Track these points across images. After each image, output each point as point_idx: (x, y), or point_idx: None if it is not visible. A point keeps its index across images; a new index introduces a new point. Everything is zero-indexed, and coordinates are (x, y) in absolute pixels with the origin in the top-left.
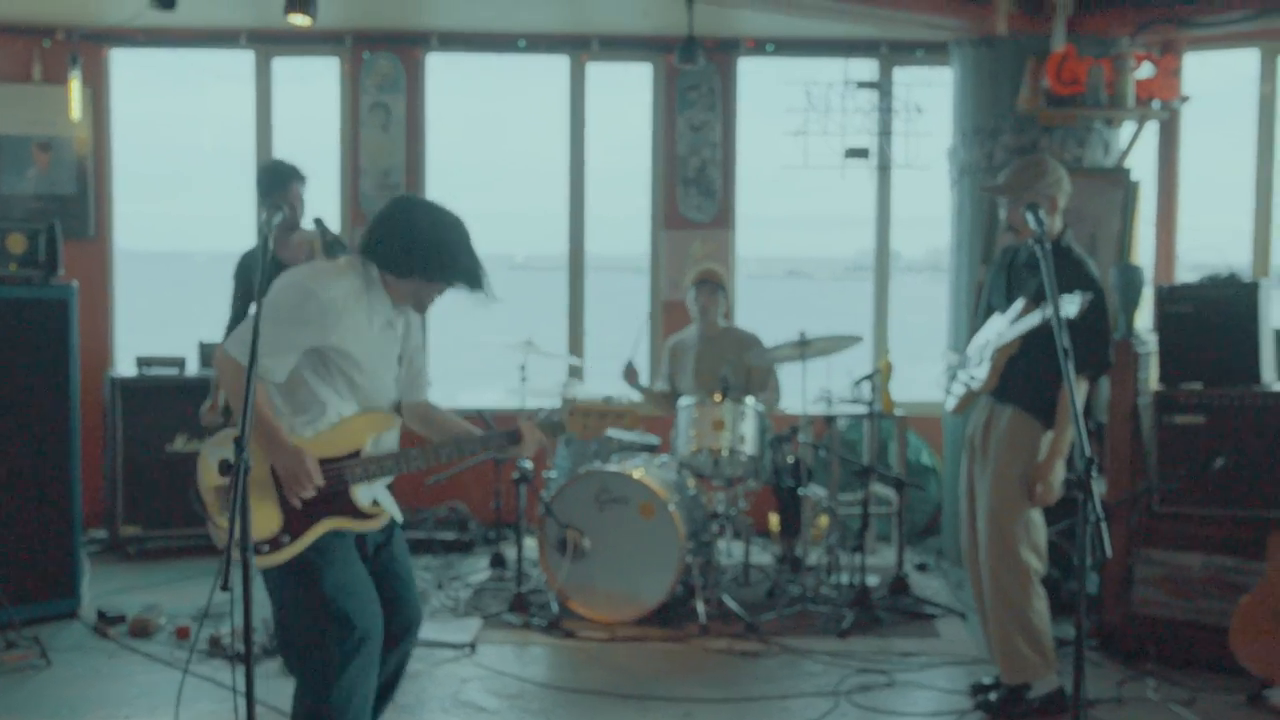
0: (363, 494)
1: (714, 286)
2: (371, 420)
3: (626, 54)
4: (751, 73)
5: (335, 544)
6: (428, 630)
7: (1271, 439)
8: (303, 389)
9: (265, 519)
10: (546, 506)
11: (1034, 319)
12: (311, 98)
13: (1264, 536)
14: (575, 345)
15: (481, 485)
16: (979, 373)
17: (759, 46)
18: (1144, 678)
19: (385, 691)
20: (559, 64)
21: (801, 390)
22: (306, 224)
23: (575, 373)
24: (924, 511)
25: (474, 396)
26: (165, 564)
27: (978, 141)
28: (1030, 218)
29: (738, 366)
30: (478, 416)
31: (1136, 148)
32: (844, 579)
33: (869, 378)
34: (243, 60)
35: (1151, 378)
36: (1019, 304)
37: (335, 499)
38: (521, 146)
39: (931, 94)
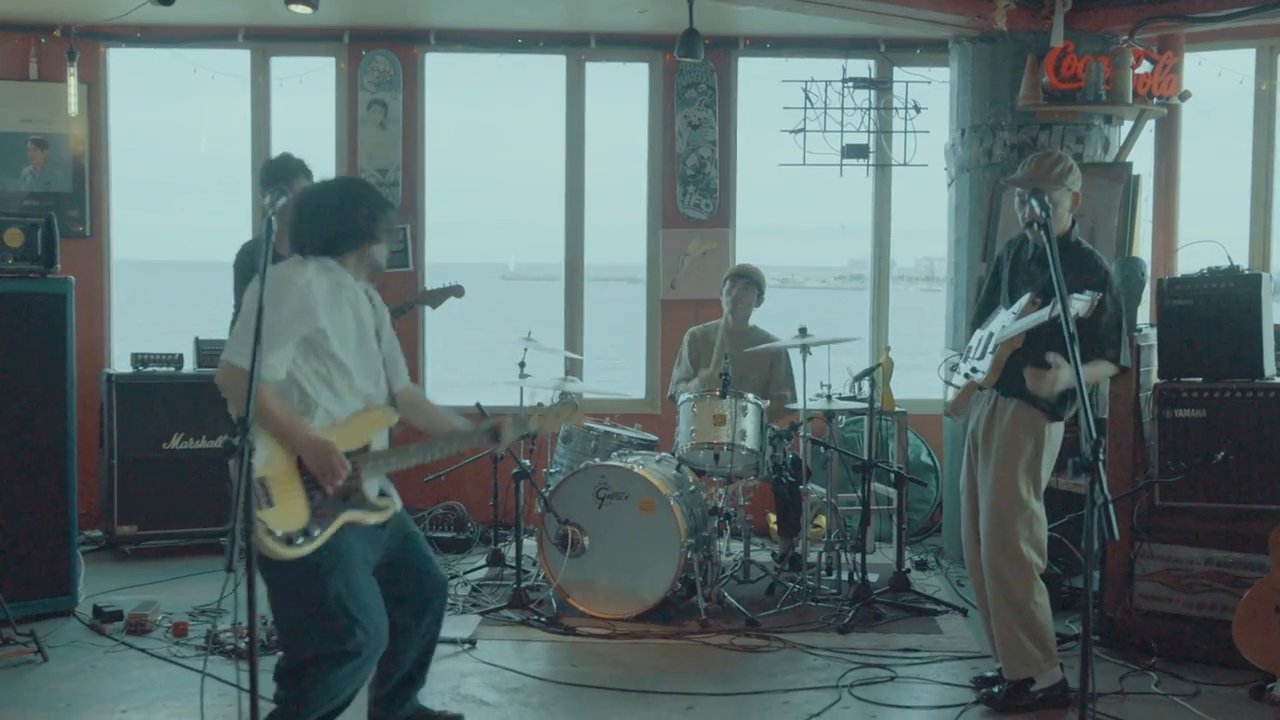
0: (371, 487)
1: (749, 281)
2: (376, 416)
3: (624, 53)
4: (750, 71)
5: (348, 545)
6: None
7: (1273, 433)
8: (295, 390)
9: (295, 512)
10: (546, 503)
11: (1040, 315)
12: (309, 96)
13: (1266, 530)
14: (573, 342)
15: (479, 484)
16: (981, 365)
17: (757, 44)
18: (1147, 672)
19: (425, 653)
20: (556, 64)
21: (802, 387)
22: None
23: (574, 368)
24: (923, 510)
25: (474, 393)
26: (161, 563)
27: (977, 138)
28: (1035, 204)
29: (755, 368)
30: (476, 409)
31: (1135, 144)
32: (844, 576)
33: (869, 373)
34: (240, 59)
35: (1152, 371)
36: (1024, 299)
37: (351, 492)
38: (518, 151)
39: (930, 92)
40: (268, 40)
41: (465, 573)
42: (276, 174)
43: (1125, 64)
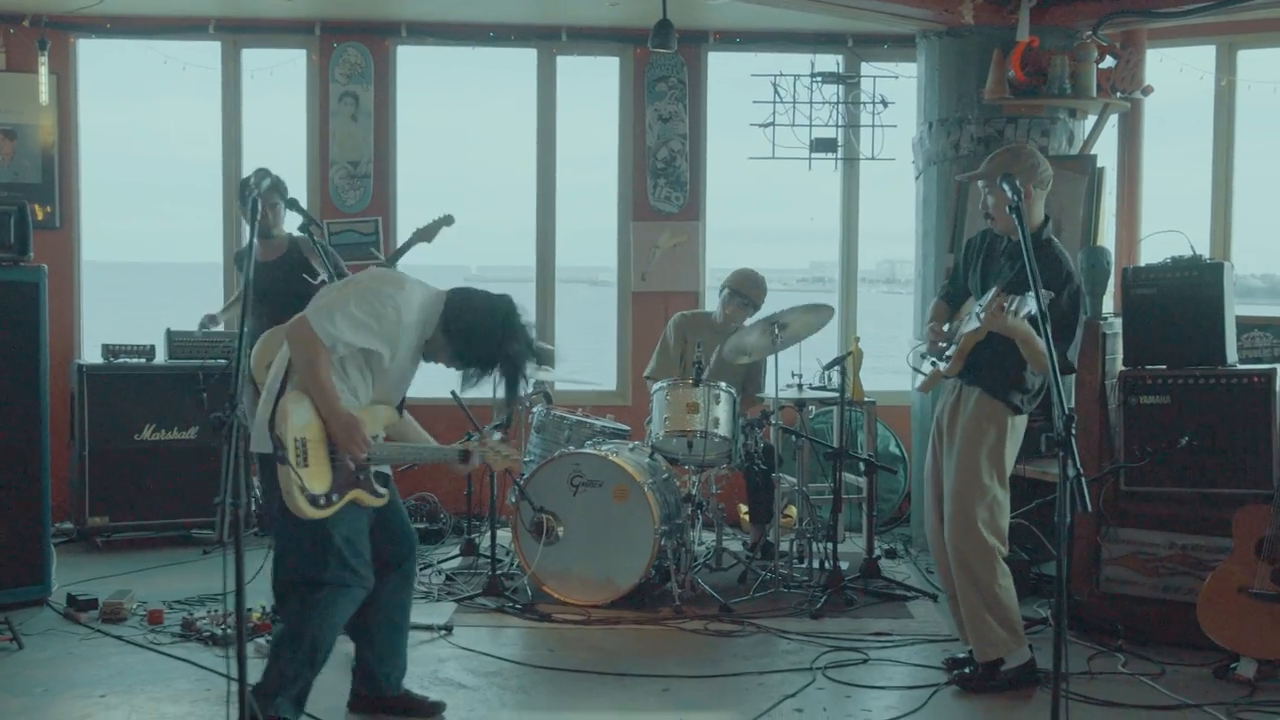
0: (375, 474)
1: (745, 301)
2: (386, 412)
3: (595, 46)
4: (719, 66)
5: (350, 510)
6: None
7: (1235, 418)
8: (338, 367)
9: (320, 476)
10: (521, 490)
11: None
12: (280, 88)
13: (1228, 514)
14: (545, 334)
15: (452, 476)
16: (950, 352)
17: (727, 39)
18: (1114, 653)
19: (399, 618)
20: (527, 58)
21: (774, 376)
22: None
23: (545, 357)
24: (892, 500)
25: (447, 384)
26: (133, 554)
27: (944, 131)
28: (1006, 187)
29: (734, 369)
30: (451, 397)
31: (1099, 137)
32: (815, 565)
33: (839, 361)
34: (211, 51)
35: (1118, 359)
36: (991, 293)
37: (363, 470)
38: (485, 151)
39: (897, 87)
40: (239, 32)
41: (439, 562)
42: (272, 181)
43: (1089, 59)
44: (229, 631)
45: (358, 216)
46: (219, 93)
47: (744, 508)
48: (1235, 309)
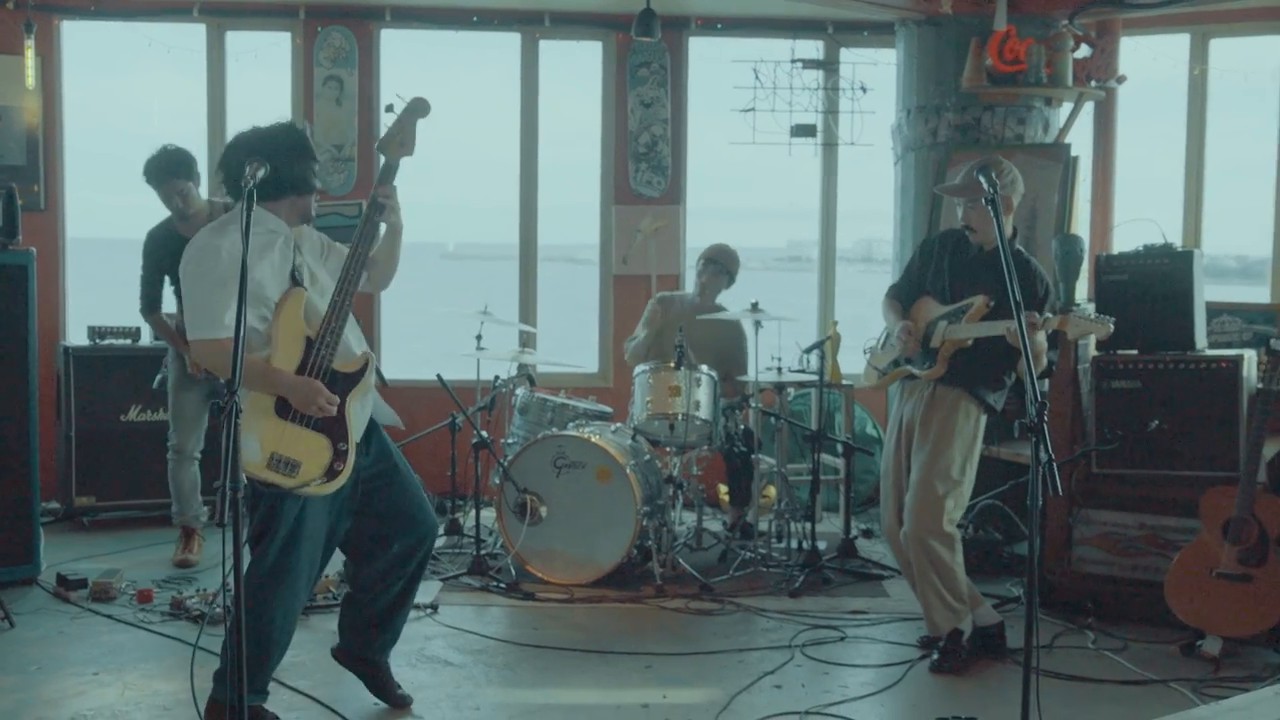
0: (356, 410)
1: (719, 268)
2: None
3: (578, 31)
4: (701, 51)
5: (312, 512)
6: None
7: (1204, 402)
8: (254, 335)
9: (320, 452)
10: (505, 472)
11: (995, 327)
12: (264, 72)
13: (1197, 496)
14: (527, 314)
15: (435, 457)
16: (927, 360)
17: (708, 25)
18: (1083, 631)
19: (405, 593)
20: (511, 42)
21: (754, 359)
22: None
23: (528, 340)
24: (868, 481)
25: (431, 366)
26: (120, 534)
27: (922, 118)
28: (983, 179)
29: (712, 346)
30: (438, 380)
31: (1074, 125)
32: (793, 544)
33: (818, 345)
34: (195, 33)
35: (1090, 344)
36: (975, 302)
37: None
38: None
39: (876, 73)
40: (223, 15)
41: None
42: (172, 169)
43: (1065, 48)
44: (218, 610)
45: (342, 200)
46: (204, 75)
47: (724, 488)
48: (1206, 293)
